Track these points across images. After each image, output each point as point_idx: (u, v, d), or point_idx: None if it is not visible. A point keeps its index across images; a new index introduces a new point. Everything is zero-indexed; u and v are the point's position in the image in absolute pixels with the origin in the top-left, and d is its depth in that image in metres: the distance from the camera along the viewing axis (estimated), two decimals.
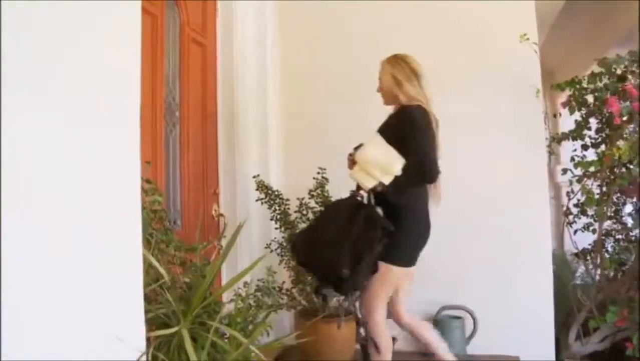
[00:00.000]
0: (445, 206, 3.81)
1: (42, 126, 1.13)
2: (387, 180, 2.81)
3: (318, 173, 3.70)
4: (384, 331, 2.91)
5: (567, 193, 4.03)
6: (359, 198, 2.88)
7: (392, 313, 2.99)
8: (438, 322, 3.85)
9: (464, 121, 3.91)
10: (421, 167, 2.79)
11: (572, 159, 3.86)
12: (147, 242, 1.89)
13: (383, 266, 2.80)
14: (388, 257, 2.80)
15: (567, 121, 4.12)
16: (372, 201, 2.88)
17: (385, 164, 2.83)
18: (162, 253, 1.91)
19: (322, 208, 3.19)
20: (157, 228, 2.02)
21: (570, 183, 3.93)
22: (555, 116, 4.91)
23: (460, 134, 3.88)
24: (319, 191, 3.67)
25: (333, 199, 3.62)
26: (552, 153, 4.22)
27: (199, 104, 3.47)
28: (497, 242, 3.96)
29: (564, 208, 4.09)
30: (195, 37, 3.42)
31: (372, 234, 2.70)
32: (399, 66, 2.98)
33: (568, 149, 4.08)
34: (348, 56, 4.24)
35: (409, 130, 2.82)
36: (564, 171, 3.92)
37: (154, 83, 2.91)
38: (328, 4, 4.32)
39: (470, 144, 3.95)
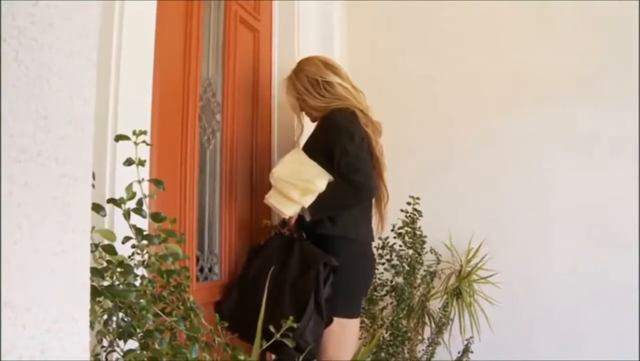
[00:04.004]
0: (559, 253, 3.13)
1: None
2: (307, 201, 2.24)
3: (408, 204, 2.79)
4: None
5: None
6: (285, 233, 2.39)
7: None
8: None
9: (586, 137, 3.12)
10: (352, 179, 2.23)
11: None
12: (143, 343, 0.96)
13: (335, 321, 2.23)
14: (337, 309, 2.23)
15: None
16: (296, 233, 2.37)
17: (304, 180, 2.25)
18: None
19: (249, 261, 2.40)
20: (172, 302, 1.10)
21: None
22: None
23: (578, 158, 3.15)
24: (407, 228, 2.78)
25: (427, 239, 2.88)
26: None
27: (249, 106, 2.59)
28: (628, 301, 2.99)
29: None
30: (245, 18, 2.55)
31: (313, 273, 2.15)
32: (297, 80, 2.47)
33: None
34: (433, 57, 3.39)
35: (332, 135, 2.31)
36: None
37: (186, 75, 2.04)
38: None
39: (588, 172, 3.13)
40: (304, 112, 2.55)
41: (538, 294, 3.09)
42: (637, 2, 3.06)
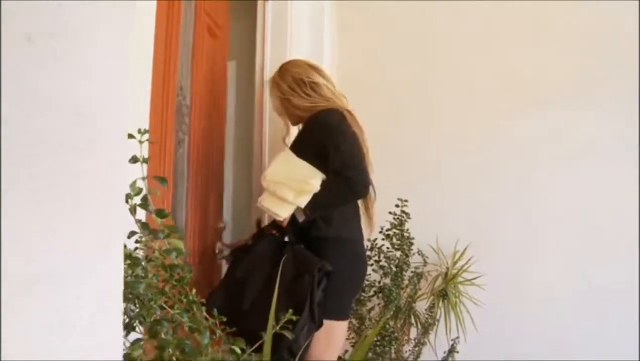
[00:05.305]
0: (543, 256, 3.16)
1: None
2: (303, 202, 2.24)
3: (397, 206, 2.82)
4: None
5: None
6: (276, 235, 2.36)
7: None
8: None
9: (573, 141, 3.17)
10: (347, 175, 2.24)
11: None
12: (152, 331, 1.00)
13: (324, 323, 2.21)
14: (327, 312, 2.20)
15: None
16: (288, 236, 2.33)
17: (299, 180, 2.26)
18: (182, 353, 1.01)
19: (237, 261, 2.40)
20: (173, 295, 1.14)
21: None
22: None
23: (562, 161, 3.19)
24: (395, 230, 2.83)
25: (414, 241, 2.89)
26: None
27: (210, 112, 2.62)
28: (613, 301, 3.05)
29: None
30: (210, 25, 2.58)
31: (307, 279, 2.13)
32: (281, 80, 2.48)
33: None
34: (424, 61, 3.39)
35: (324, 135, 2.31)
36: None
37: (166, 79, 2.04)
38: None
39: (573, 175, 3.17)
40: (286, 115, 2.54)
41: (523, 295, 3.13)
42: (632, 4, 3.11)
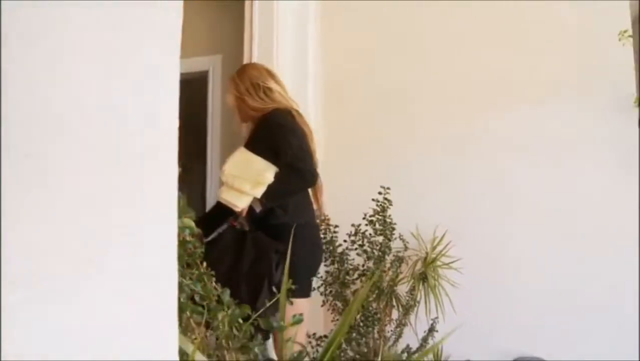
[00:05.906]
0: (516, 243, 3.30)
1: None
2: (258, 192, 2.49)
3: (380, 193, 2.98)
4: None
5: None
6: (237, 226, 2.56)
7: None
8: None
9: (542, 139, 3.30)
10: (297, 167, 2.51)
11: None
12: None
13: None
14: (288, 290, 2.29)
15: None
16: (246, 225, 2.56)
17: (254, 173, 2.49)
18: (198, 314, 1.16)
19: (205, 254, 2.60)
20: (184, 268, 1.29)
21: None
22: None
23: (536, 156, 3.31)
24: (378, 216, 2.97)
25: (397, 226, 3.04)
26: None
27: None
28: (579, 287, 3.19)
29: None
30: None
31: (266, 261, 2.37)
32: (239, 81, 2.73)
33: None
34: (406, 58, 3.55)
35: (276, 132, 2.58)
36: None
37: None
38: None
39: (546, 168, 3.29)
40: (237, 112, 2.75)
41: (497, 278, 3.27)
42: (607, 5, 3.21)
